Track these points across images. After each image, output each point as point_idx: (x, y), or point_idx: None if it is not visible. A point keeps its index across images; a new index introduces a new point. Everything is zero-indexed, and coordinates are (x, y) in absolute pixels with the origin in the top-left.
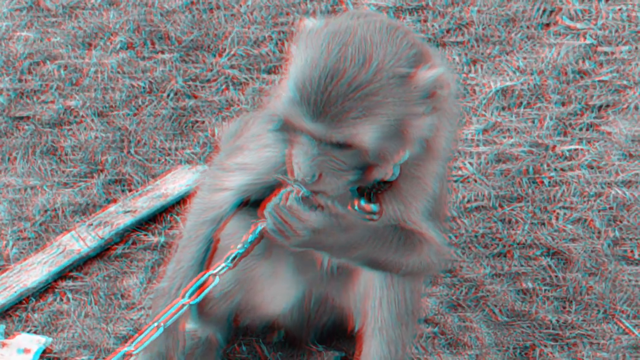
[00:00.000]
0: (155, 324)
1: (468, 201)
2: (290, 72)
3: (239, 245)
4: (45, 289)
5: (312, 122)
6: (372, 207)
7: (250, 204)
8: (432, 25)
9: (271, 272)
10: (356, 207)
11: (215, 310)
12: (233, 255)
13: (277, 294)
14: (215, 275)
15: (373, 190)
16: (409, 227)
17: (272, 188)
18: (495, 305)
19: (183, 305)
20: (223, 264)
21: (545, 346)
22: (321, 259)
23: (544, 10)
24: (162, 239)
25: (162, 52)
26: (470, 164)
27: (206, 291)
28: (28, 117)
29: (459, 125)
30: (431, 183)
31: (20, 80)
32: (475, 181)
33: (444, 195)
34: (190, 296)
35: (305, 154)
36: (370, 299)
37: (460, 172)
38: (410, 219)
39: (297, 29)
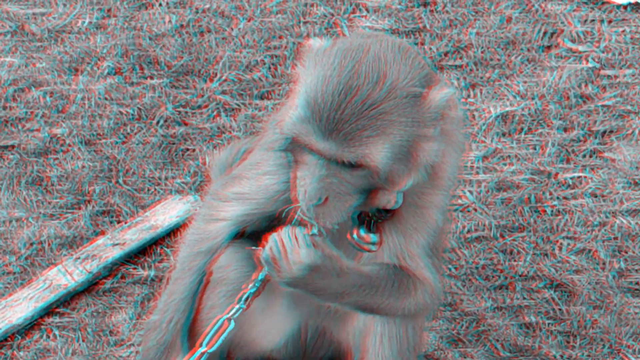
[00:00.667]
0: None
1: (468, 231)
2: (300, 91)
3: (250, 285)
4: (31, 326)
5: (322, 140)
6: (372, 237)
7: (247, 235)
8: (430, 49)
9: (265, 305)
10: (355, 237)
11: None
12: (245, 296)
13: (272, 328)
14: (230, 319)
15: (374, 219)
16: (405, 267)
17: (270, 219)
18: (497, 340)
19: (202, 354)
20: (237, 306)
21: None
22: None
23: (545, 33)
24: (152, 273)
25: (151, 78)
26: (470, 192)
27: (224, 336)
28: (13, 146)
29: (463, 154)
30: (434, 215)
31: (4, 108)
32: (476, 210)
33: (445, 226)
34: (207, 344)
35: (312, 176)
36: (371, 334)
37: (460, 201)
38: (409, 253)
39: (303, 50)
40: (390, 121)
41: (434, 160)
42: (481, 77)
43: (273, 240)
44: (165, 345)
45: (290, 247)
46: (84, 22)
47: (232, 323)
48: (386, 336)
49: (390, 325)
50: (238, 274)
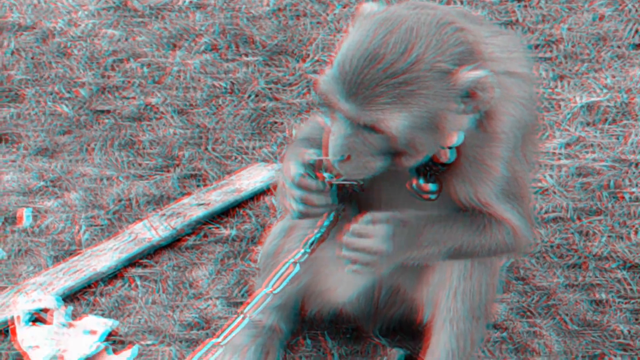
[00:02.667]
0: (242, 316)
1: (546, 212)
2: (338, 51)
3: (315, 230)
4: (114, 275)
5: (345, 100)
6: (431, 186)
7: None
8: (522, 41)
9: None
10: (414, 186)
11: (282, 291)
12: (310, 241)
13: (345, 281)
14: (295, 263)
15: (431, 171)
16: (478, 209)
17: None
18: (567, 314)
19: (267, 295)
20: (302, 250)
21: (615, 355)
22: None
23: (637, 31)
24: (234, 233)
25: (246, 55)
26: (551, 176)
27: (288, 279)
28: (108, 111)
29: (532, 111)
30: (496, 165)
31: (103, 76)
32: (555, 193)
33: (521, 179)
34: (272, 285)
35: (339, 133)
36: (445, 288)
37: (540, 184)
38: (479, 200)
39: (356, 12)
40: (410, 92)
41: (471, 127)
42: (570, 70)
43: (346, 239)
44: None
45: (365, 230)
46: (184, 1)
47: (297, 267)
48: (460, 291)
49: (467, 281)
50: (314, 221)
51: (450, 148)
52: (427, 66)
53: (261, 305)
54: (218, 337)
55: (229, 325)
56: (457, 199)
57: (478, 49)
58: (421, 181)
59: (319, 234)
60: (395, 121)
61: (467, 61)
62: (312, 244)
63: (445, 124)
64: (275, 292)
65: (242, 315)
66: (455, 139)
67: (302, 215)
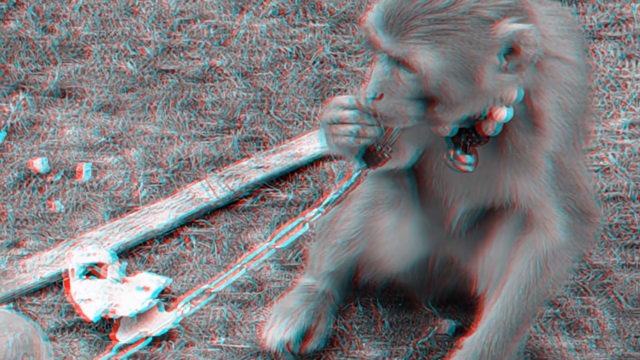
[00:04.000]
0: (239, 266)
1: (606, 190)
2: None
3: (333, 192)
4: (170, 233)
5: (381, 33)
6: (468, 157)
7: None
8: (591, 19)
9: (397, 225)
10: (451, 157)
11: (337, 257)
12: (326, 201)
13: (400, 250)
14: (305, 222)
15: (469, 141)
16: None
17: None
18: (622, 294)
19: (269, 248)
20: (315, 210)
21: None
22: (451, 220)
23: None
24: (291, 197)
25: (313, 21)
26: (613, 155)
27: (295, 237)
28: (173, 71)
29: (582, 100)
30: (544, 161)
31: (169, 36)
32: (616, 172)
33: (573, 170)
34: (277, 240)
35: (375, 71)
36: (500, 263)
37: (602, 163)
38: (530, 197)
39: None
40: (446, 30)
41: (513, 93)
42: (638, 50)
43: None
44: None
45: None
46: None
47: (306, 226)
48: (517, 265)
49: (524, 257)
50: (372, 189)
51: (497, 122)
52: (467, 9)
53: (260, 259)
54: (211, 284)
55: (225, 273)
56: (502, 191)
57: (530, 11)
58: (458, 152)
59: (336, 195)
60: (426, 57)
61: (512, 15)
62: (327, 204)
63: (482, 76)
64: (278, 247)
65: (239, 265)
66: (503, 113)
67: (348, 148)
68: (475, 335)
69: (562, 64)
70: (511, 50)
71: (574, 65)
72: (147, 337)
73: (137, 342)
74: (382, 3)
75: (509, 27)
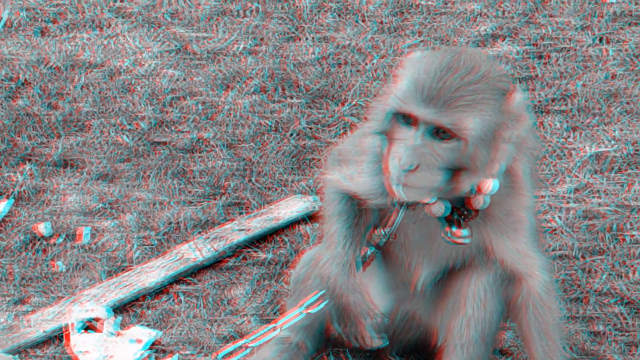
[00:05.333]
0: (273, 326)
1: (553, 250)
2: (401, 80)
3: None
4: (160, 290)
5: (423, 106)
6: (463, 232)
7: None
8: (539, 94)
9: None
10: (448, 234)
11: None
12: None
13: None
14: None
15: (462, 217)
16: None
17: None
18: (567, 344)
19: (300, 312)
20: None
21: None
22: (415, 282)
23: None
24: (270, 256)
25: (291, 97)
26: (559, 217)
27: (323, 304)
28: (164, 143)
29: (535, 161)
30: (526, 216)
31: (161, 111)
32: (562, 233)
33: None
34: (307, 307)
35: (407, 145)
36: (459, 317)
37: (549, 224)
38: (519, 252)
39: (405, 58)
40: (483, 98)
41: (508, 163)
42: (582, 122)
43: None
44: None
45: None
46: (238, 47)
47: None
48: (473, 320)
49: (480, 310)
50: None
51: (486, 194)
52: (492, 82)
53: (292, 321)
54: (248, 339)
55: (259, 332)
56: (491, 250)
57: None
58: (454, 228)
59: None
60: (472, 123)
61: (513, 91)
62: (307, 306)
63: (499, 143)
64: (310, 312)
65: (272, 326)
66: (491, 185)
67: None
68: None
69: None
70: (516, 118)
71: (533, 131)
72: None
73: None
74: (412, 80)
75: (519, 97)
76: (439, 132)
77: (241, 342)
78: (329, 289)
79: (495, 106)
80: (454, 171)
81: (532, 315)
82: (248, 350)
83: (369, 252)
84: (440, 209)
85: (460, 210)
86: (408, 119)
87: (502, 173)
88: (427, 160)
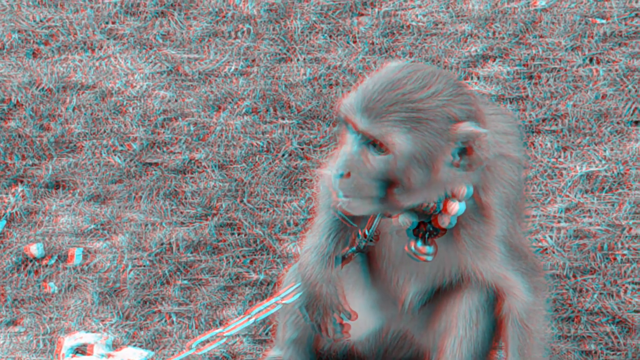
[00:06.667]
0: (248, 316)
1: (544, 270)
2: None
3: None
4: (153, 312)
5: (360, 115)
6: (428, 249)
7: None
8: (530, 114)
9: (351, 299)
10: (412, 249)
11: (297, 324)
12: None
13: (358, 321)
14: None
15: (427, 233)
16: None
17: None
18: None
19: (277, 303)
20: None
21: None
22: (403, 299)
23: (635, 109)
24: (262, 277)
25: (282, 118)
26: (551, 237)
27: (297, 295)
28: (156, 164)
29: (519, 192)
30: (495, 244)
31: (153, 132)
32: (554, 252)
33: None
34: (282, 298)
35: (344, 151)
36: (451, 336)
37: (540, 244)
38: (493, 272)
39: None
40: (421, 119)
41: (463, 190)
42: (572, 142)
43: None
44: None
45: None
46: (230, 68)
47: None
48: (466, 340)
49: (471, 330)
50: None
51: (453, 216)
52: (440, 104)
53: (268, 312)
54: (224, 329)
55: (235, 322)
56: (459, 270)
57: (482, 119)
58: (419, 244)
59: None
60: (401, 139)
61: (469, 119)
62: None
63: (439, 167)
64: (285, 302)
65: (247, 316)
66: (456, 207)
67: None
68: None
69: (506, 161)
70: (465, 150)
71: (516, 161)
72: None
73: None
74: (362, 88)
75: (468, 128)
76: (375, 144)
77: (216, 331)
78: (304, 276)
79: (434, 128)
80: (389, 184)
81: (510, 332)
82: (223, 340)
83: (349, 251)
84: (405, 221)
85: (427, 227)
86: (351, 127)
87: (469, 198)
88: (360, 167)
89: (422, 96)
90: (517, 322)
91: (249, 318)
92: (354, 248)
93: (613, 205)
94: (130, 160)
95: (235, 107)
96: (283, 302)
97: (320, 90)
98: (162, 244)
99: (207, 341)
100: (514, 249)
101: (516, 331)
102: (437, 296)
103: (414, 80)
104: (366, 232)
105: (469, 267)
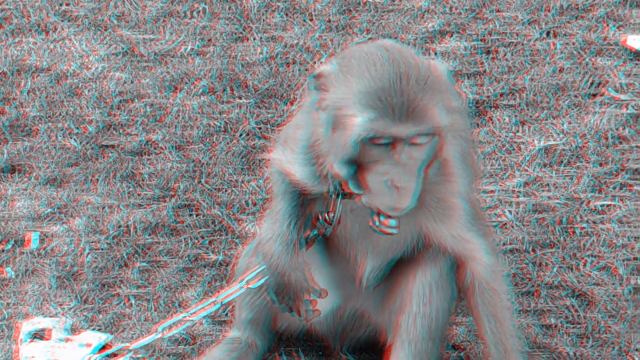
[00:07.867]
0: (213, 300)
1: (504, 244)
2: (350, 99)
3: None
4: (111, 294)
5: (400, 124)
6: (391, 222)
7: None
8: (488, 89)
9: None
10: (377, 222)
11: (253, 304)
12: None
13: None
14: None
15: None
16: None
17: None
18: (520, 337)
19: (241, 287)
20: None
21: None
22: (361, 275)
23: (592, 82)
24: (221, 258)
25: (239, 98)
26: (510, 211)
27: (261, 281)
28: (113, 146)
29: (470, 145)
30: (459, 202)
31: (109, 114)
32: (512, 227)
33: (474, 201)
34: (247, 282)
35: (404, 169)
36: (405, 313)
37: (499, 219)
38: (456, 236)
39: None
40: (439, 89)
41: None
42: (530, 116)
43: None
44: None
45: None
46: (186, 48)
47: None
48: (420, 315)
49: (425, 306)
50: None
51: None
52: (430, 70)
53: (233, 295)
54: (187, 313)
55: (199, 306)
56: (428, 236)
57: None
58: (382, 217)
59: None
60: (442, 114)
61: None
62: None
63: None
64: (250, 287)
65: (212, 300)
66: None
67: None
68: None
69: (454, 113)
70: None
71: (460, 111)
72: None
73: None
74: (372, 105)
75: (445, 72)
76: (419, 136)
77: (180, 315)
78: (271, 266)
79: (442, 89)
80: (426, 165)
81: (478, 298)
82: (188, 324)
83: (311, 235)
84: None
85: None
86: (382, 141)
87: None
88: (415, 169)
89: (424, 72)
90: (485, 286)
91: (215, 302)
92: (316, 232)
93: (572, 178)
94: (87, 143)
95: (192, 87)
96: (249, 286)
97: (277, 69)
98: (119, 227)
99: (172, 325)
100: (472, 207)
101: (485, 297)
102: (393, 273)
103: (403, 63)
104: (326, 217)
105: (431, 233)
